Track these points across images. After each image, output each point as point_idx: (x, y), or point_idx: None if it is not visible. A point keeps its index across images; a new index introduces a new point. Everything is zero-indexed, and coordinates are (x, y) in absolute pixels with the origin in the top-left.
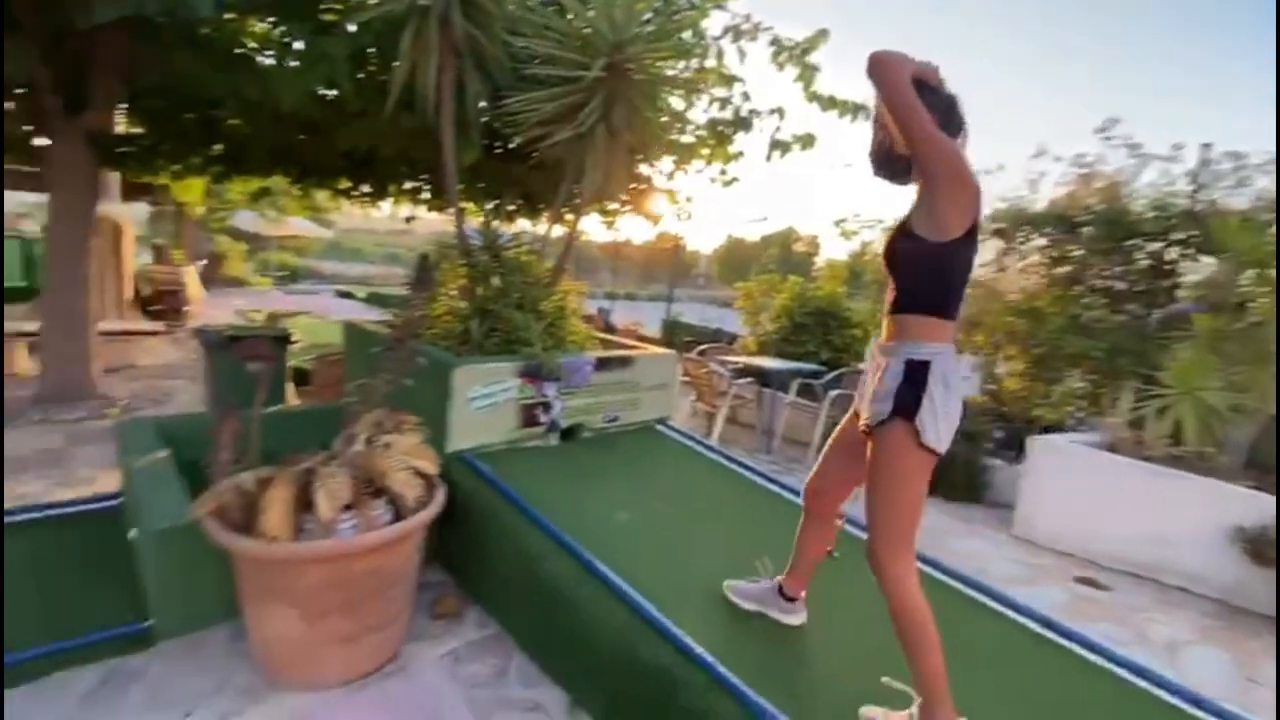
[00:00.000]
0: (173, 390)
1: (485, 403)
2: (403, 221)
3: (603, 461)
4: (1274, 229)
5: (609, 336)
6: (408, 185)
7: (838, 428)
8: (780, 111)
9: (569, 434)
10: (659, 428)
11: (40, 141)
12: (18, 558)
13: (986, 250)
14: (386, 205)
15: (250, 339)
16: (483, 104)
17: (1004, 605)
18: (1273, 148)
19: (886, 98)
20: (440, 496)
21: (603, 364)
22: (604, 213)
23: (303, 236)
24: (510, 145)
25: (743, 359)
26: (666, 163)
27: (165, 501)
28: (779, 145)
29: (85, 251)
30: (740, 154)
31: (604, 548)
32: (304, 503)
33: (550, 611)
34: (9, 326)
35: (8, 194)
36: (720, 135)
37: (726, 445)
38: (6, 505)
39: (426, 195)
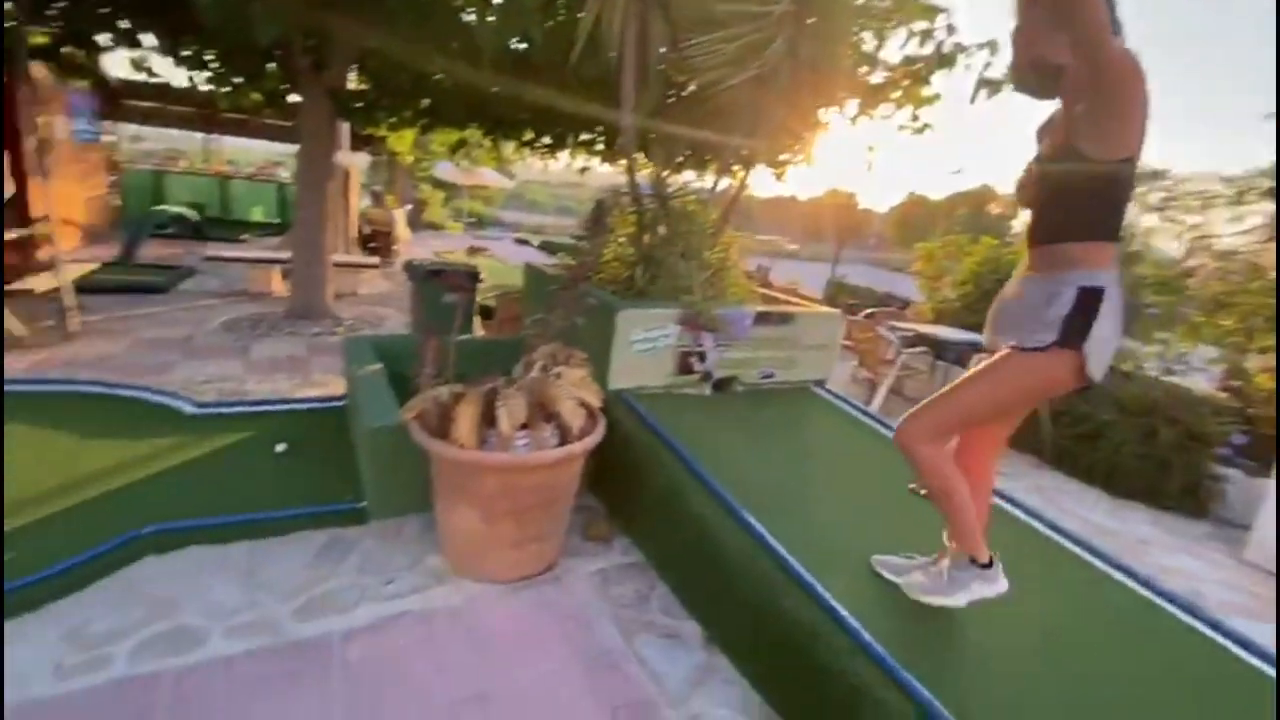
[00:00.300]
0: (384, 316)
1: (645, 347)
2: (576, 174)
3: (755, 416)
4: None
5: (771, 291)
6: (584, 137)
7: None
8: (993, 45)
9: (722, 385)
10: (815, 390)
11: (293, 99)
12: (272, 437)
13: (1253, 216)
14: (564, 157)
15: (452, 272)
16: (661, 49)
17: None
18: None
19: None
20: (601, 428)
21: (762, 318)
22: (775, 164)
23: (490, 187)
24: (684, 93)
25: (916, 326)
26: (850, 107)
27: (379, 405)
28: (988, 84)
29: (325, 193)
30: (936, 97)
31: (750, 497)
32: (487, 418)
33: (694, 550)
34: (269, 255)
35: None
36: (915, 75)
37: (889, 418)
38: (264, 394)
39: (600, 147)
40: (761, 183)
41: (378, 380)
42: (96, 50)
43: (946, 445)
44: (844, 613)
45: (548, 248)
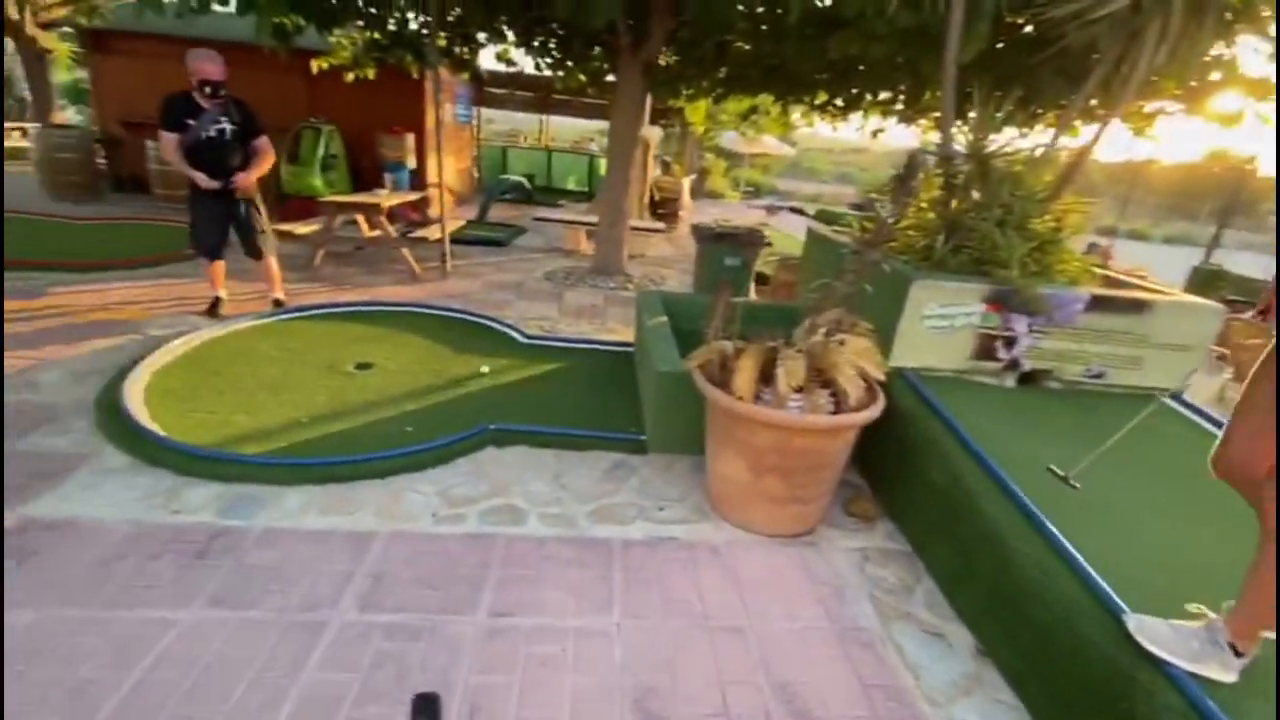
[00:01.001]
0: (666, 276)
1: (939, 324)
2: (859, 141)
3: (1071, 421)
4: None
5: (1116, 274)
6: (882, 95)
7: None
8: None
9: (1030, 378)
10: (1166, 400)
11: (610, 78)
12: (578, 371)
13: None
14: (855, 120)
15: (745, 234)
16: None
17: None
18: None
19: None
20: (880, 404)
21: (1100, 304)
22: (1137, 117)
23: (770, 155)
24: (1017, 35)
25: None
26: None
27: (666, 353)
28: None
29: (630, 162)
30: None
31: (1057, 510)
32: (765, 376)
33: (975, 554)
34: (579, 218)
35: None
36: None
37: None
38: (572, 334)
39: (899, 106)
40: (1113, 141)
41: (665, 331)
42: (477, 47)
43: None
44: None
45: (823, 217)
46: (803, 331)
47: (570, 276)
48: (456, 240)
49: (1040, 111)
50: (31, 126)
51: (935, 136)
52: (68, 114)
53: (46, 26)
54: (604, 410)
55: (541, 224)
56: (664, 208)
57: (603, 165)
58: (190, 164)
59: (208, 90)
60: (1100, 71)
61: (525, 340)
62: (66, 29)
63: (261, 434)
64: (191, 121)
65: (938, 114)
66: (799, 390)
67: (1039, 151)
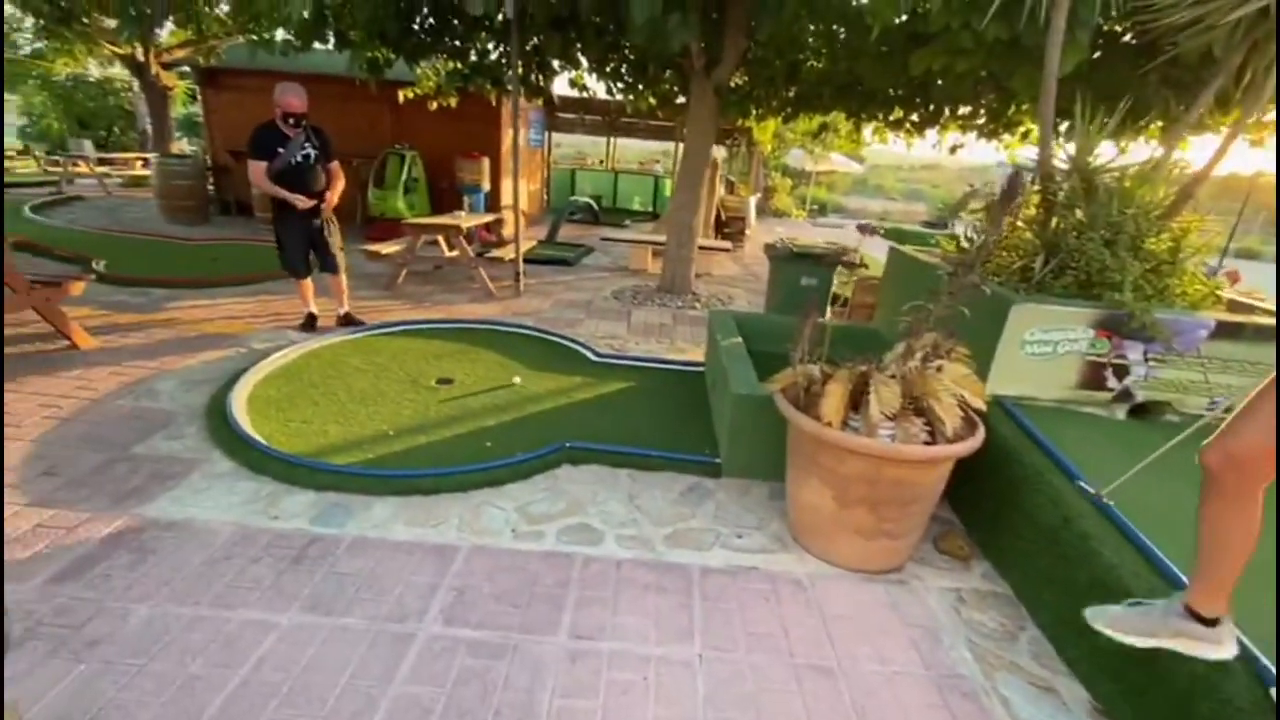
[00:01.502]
0: (733, 295)
1: (1041, 350)
2: (932, 157)
3: (1190, 457)
4: None
5: (1236, 297)
6: (963, 110)
7: None
8: None
9: (1142, 410)
10: None
11: (679, 100)
12: (648, 390)
13: None
14: (931, 135)
15: (833, 252)
16: None
17: None
18: None
19: None
20: (980, 435)
21: (1227, 330)
22: (1255, 127)
23: (836, 172)
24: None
25: None
26: None
27: (741, 374)
28: None
29: (700, 181)
30: None
31: (1189, 560)
32: (853, 402)
33: (1091, 602)
34: (645, 237)
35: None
36: None
37: None
38: (641, 352)
39: (980, 120)
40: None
41: (740, 352)
42: (552, 74)
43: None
44: None
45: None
46: (897, 356)
47: (638, 295)
48: (528, 260)
49: (1144, 125)
50: (152, 157)
51: (1022, 152)
52: (182, 145)
53: (168, 66)
54: (676, 431)
55: (609, 243)
56: (730, 226)
57: (668, 186)
58: (281, 187)
59: (290, 121)
60: (1218, 81)
61: (596, 358)
62: (185, 68)
63: (352, 444)
64: (280, 150)
65: (1025, 128)
66: (891, 418)
67: (1150, 166)
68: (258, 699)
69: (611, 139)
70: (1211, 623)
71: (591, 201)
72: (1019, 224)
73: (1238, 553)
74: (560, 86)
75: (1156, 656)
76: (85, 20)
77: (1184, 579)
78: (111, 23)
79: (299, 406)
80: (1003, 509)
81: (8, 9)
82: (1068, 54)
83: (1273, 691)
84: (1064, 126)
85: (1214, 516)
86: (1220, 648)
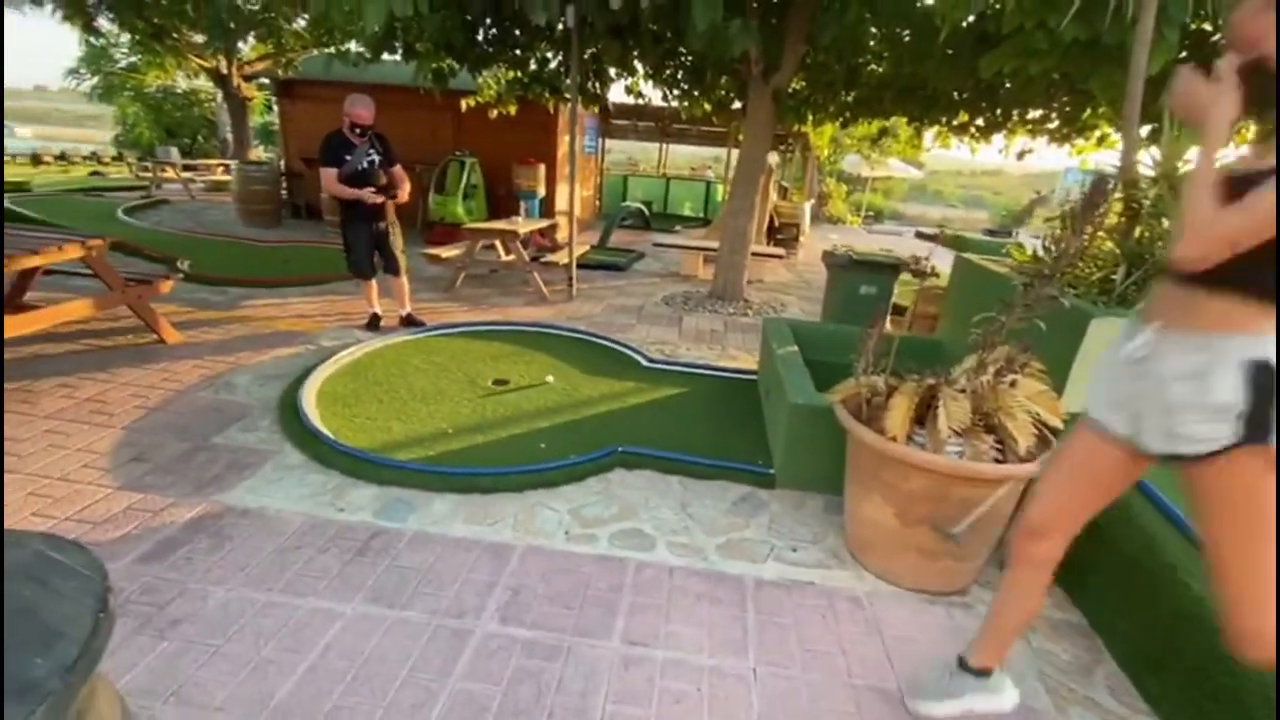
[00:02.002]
0: (786, 302)
1: None
2: (993, 163)
3: None
4: None
5: None
6: (1033, 114)
7: (1075, 440)
8: None
9: None
10: None
11: (735, 105)
12: (700, 396)
13: None
14: (997, 140)
15: (896, 262)
16: None
17: None
18: None
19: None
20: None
21: None
22: None
23: (893, 178)
24: (1212, 40)
25: None
26: None
27: (798, 384)
28: None
29: (755, 188)
30: None
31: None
32: (918, 417)
33: (1176, 636)
34: (697, 243)
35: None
36: None
37: None
38: (692, 359)
39: (1052, 125)
40: None
41: (797, 361)
42: (609, 81)
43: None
44: None
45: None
46: (967, 369)
47: (689, 301)
48: (580, 264)
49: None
50: (232, 163)
51: (1096, 157)
52: (259, 152)
53: (248, 78)
54: (727, 439)
55: (660, 249)
56: (783, 233)
57: (719, 191)
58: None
59: (357, 130)
60: None
61: (647, 364)
62: (263, 80)
63: (413, 441)
64: (348, 157)
65: (1101, 132)
66: (959, 434)
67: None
68: (324, 685)
69: (664, 145)
70: (983, 673)
71: (643, 207)
72: (1099, 233)
73: (1016, 622)
74: (615, 93)
75: (1244, 697)
76: (175, 36)
77: None
78: (200, 38)
79: (364, 403)
80: (1081, 535)
81: (105, 25)
82: (1156, 54)
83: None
84: (1145, 130)
85: (1010, 582)
86: (1001, 696)
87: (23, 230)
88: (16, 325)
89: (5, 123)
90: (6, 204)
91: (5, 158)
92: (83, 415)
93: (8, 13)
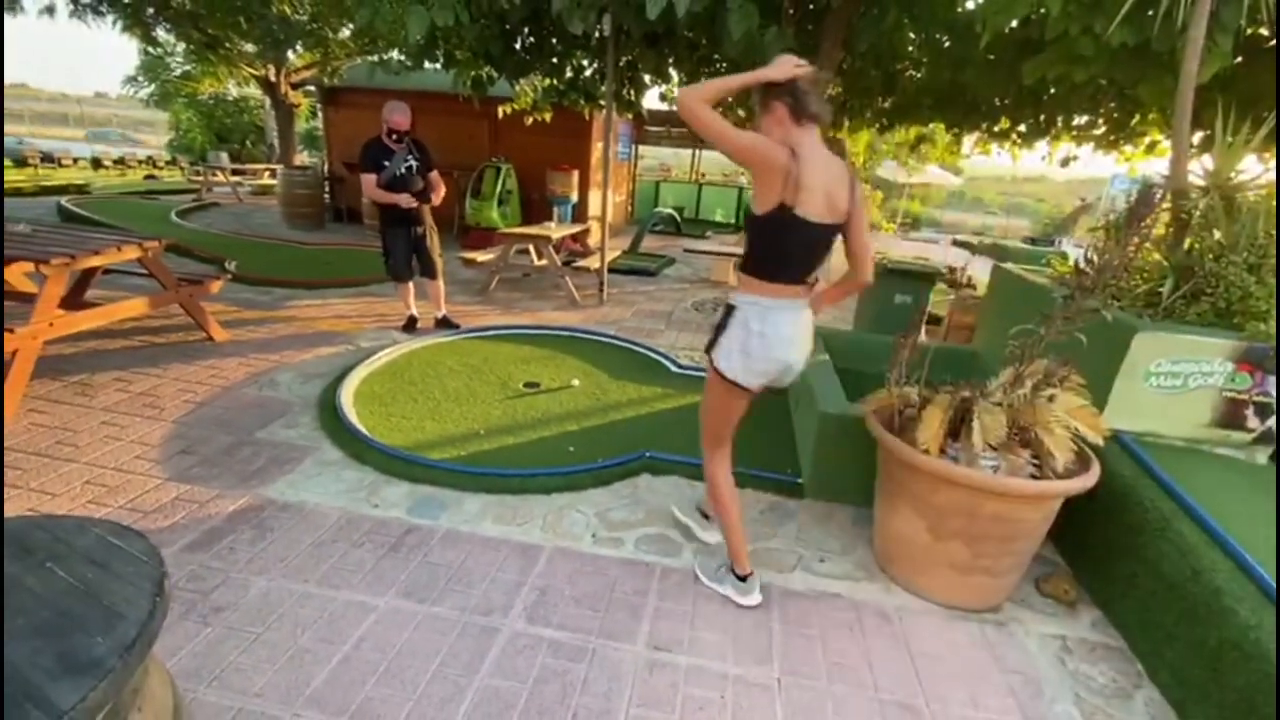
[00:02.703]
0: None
1: (1169, 382)
2: (1034, 170)
3: None
4: None
5: None
6: (1078, 121)
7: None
8: None
9: None
10: None
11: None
12: None
13: None
14: (1040, 147)
15: (911, 272)
16: None
17: None
18: None
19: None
20: (1095, 471)
21: None
22: None
23: (929, 185)
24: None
25: None
26: None
27: (829, 393)
28: None
29: None
30: None
31: None
32: (952, 429)
33: (1222, 665)
34: (728, 249)
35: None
36: None
37: None
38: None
39: (1099, 131)
40: None
41: (828, 370)
42: (644, 88)
43: (723, 459)
44: None
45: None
46: (1004, 382)
47: (719, 307)
48: (611, 269)
49: None
50: (278, 168)
51: (1145, 165)
52: (304, 157)
53: (296, 86)
54: (755, 447)
55: (690, 255)
56: None
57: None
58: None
59: (394, 137)
60: None
61: (677, 370)
62: (309, 87)
63: (446, 440)
64: (387, 163)
65: (1150, 139)
66: (994, 448)
67: None
68: (357, 676)
69: (696, 151)
70: (744, 578)
71: (674, 213)
72: (1146, 244)
73: (731, 523)
74: (649, 100)
75: None
76: (228, 46)
77: None
78: (251, 47)
79: (400, 403)
80: (1118, 555)
81: (162, 36)
82: (1209, 61)
83: None
84: (1197, 138)
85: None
86: (750, 596)
87: (84, 232)
88: (78, 321)
89: (110, 129)
90: (71, 206)
91: (71, 162)
92: (136, 408)
93: (36, 19)
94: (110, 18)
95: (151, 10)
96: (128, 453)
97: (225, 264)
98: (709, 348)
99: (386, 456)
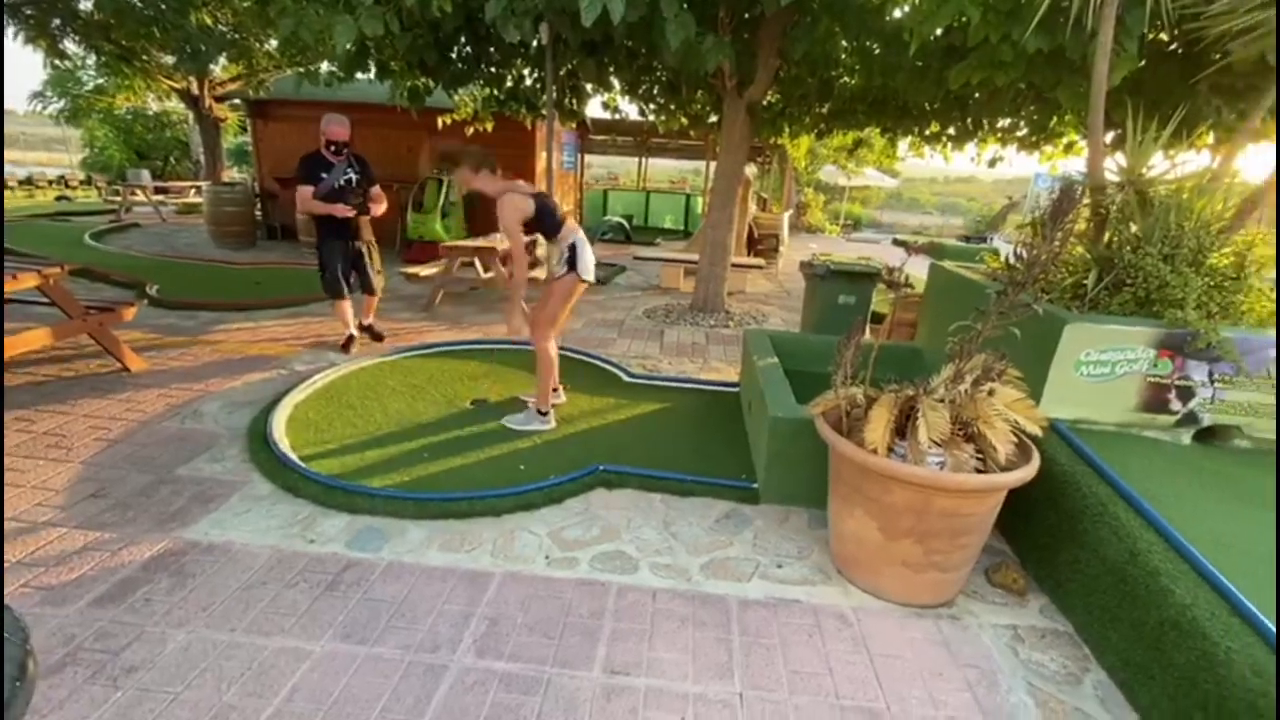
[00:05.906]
0: (767, 312)
1: (1098, 371)
2: (965, 171)
3: (1261, 485)
4: None
5: None
6: (1002, 123)
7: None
8: None
9: (1210, 434)
10: None
11: (712, 119)
12: (682, 411)
13: None
14: (970, 149)
15: (874, 271)
16: None
17: None
18: None
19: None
20: (1036, 461)
21: None
22: None
23: (870, 187)
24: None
25: None
26: None
27: (779, 397)
28: None
29: (734, 199)
30: None
31: (1263, 597)
32: (898, 428)
33: (1163, 644)
34: (678, 256)
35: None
36: None
37: None
38: (674, 373)
39: (1022, 132)
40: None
41: (778, 374)
42: (586, 97)
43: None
44: None
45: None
46: (945, 379)
47: (670, 314)
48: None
49: (1195, 135)
50: (204, 185)
51: (1064, 163)
52: (232, 173)
53: (221, 99)
54: (711, 454)
55: (640, 262)
56: (763, 244)
57: (699, 204)
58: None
59: (333, 149)
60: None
61: (629, 379)
62: (236, 100)
63: (387, 465)
64: (325, 175)
65: (1068, 139)
66: (939, 444)
67: (1208, 177)
68: None
69: (643, 159)
70: (545, 414)
71: (623, 221)
72: (1070, 239)
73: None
74: (593, 109)
75: (1230, 705)
76: (145, 57)
77: (1262, 618)
78: (170, 59)
79: (337, 428)
80: (1061, 541)
81: (71, 48)
82: (1118, 64)
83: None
84: (1109, 137)
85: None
86: (550, 421)
87: None
88: None
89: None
90: None
91: None
92: (39, 450)
93: None
94: (11, 29)
95: (58, 21)
96: (26, 500)
97: (145, 288)
98: (570, 270)
99: (323, 487)
